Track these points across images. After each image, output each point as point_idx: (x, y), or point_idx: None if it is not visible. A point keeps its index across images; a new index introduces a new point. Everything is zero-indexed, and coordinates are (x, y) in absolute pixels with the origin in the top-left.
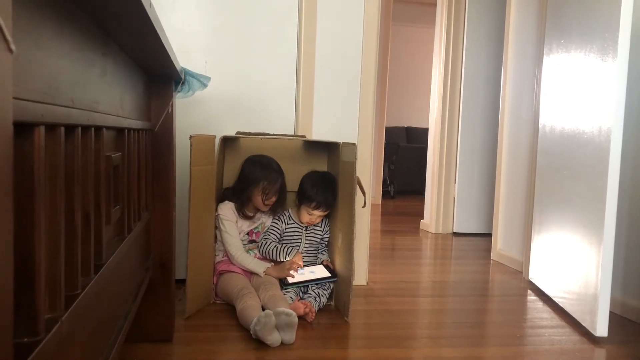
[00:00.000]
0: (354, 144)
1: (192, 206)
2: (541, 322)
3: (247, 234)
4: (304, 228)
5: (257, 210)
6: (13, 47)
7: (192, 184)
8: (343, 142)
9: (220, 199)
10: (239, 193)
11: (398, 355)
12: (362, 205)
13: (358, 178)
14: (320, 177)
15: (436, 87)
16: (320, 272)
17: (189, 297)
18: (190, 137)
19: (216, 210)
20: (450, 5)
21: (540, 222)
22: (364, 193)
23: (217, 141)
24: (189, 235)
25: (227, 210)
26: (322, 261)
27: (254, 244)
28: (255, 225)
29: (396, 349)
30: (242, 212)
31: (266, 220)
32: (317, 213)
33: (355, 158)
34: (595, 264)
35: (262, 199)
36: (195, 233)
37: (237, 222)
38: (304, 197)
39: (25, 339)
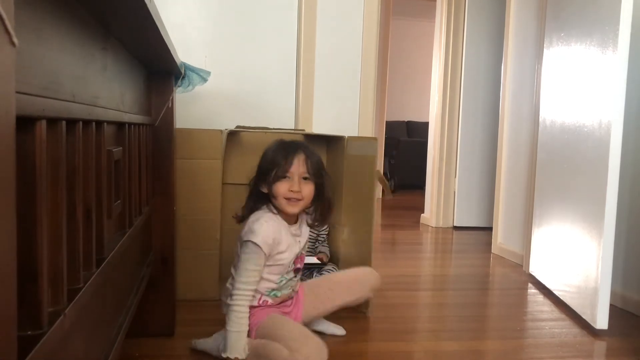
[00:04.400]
0: (374, 138)
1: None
2: (541, 315)
3: (293, 262)
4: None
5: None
6: (15, 40)
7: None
8: (349, 136)
9: (253, 205)
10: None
11: (399, 348)
12: (388, 196)
13: (379, 172)
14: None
15: (436, 81)
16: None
17: (178, 282)
18: None
19: (242, 219)
20: None
21: (541, 216)
22: (385, 185)
23: (223, 135)
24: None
25: (267, 230)
26: (317, 254)
27: (299, 275)
28: (300, 245)
29: (397, 343)
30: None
31: (306, 228)
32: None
33: (376, 152)
34: (596, 257)
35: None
36: (182, 224)
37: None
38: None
39: (29, 332)
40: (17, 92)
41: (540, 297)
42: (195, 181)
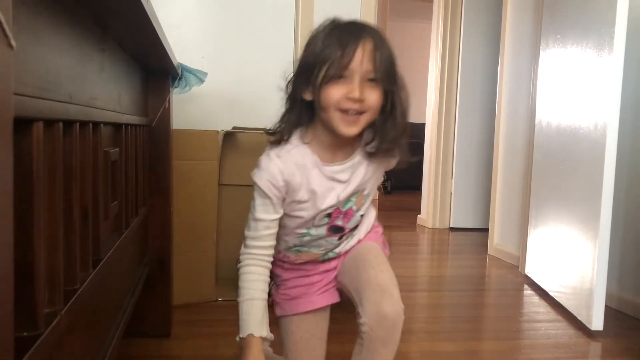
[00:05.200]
0: None
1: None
2: (537, 316)
3: (328, 215)
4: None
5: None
6: (13, 42)
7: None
8: None
9: (295, 119)
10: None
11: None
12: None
13: None
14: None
15: (433, 82)
16: None
17: (174, 289)
18: None
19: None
20: (447, 0)
21: (537, 217)
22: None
23: (220, 137)
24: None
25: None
26: None
27: (337, 234)
28: (345, 193)
29: None
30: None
31: (362, 170)
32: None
33: None
34: (591, 259)
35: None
36: (180, 226)
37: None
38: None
39: (25, 333)
40: (14, 94)
41: (536, 299)
42: (191, 182)
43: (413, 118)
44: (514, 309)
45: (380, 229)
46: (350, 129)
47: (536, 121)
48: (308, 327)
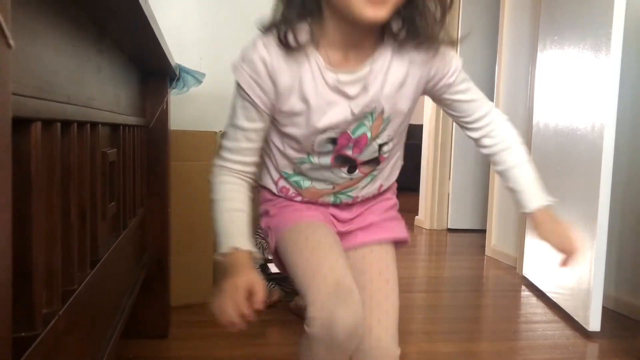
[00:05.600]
0: None
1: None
2: (535, 317)
3: (333, 141)
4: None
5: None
6: (12, 42)
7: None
8: None
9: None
10: None
11: None
12: None
13: None
14: None
15: None
16: None
17: (172, 289)
18: None
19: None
20: None
21: None
22: None
23: (218, 138)
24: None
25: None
26: None
27: (346, 165)
28: (355, 109)
29: None
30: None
31: (380, 79)
32: None
33: None
34: (589, 260)
35: None
36: (178, 227)
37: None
38: None
39: (23, 333)
40: (13, 94)
41: (533, 299)
42: (189, 183)
43: (411, 119)
44: (511, 310)
45: (393, 201)
46: (377, 12)
47: (534, 122)
48: (313, 228)
